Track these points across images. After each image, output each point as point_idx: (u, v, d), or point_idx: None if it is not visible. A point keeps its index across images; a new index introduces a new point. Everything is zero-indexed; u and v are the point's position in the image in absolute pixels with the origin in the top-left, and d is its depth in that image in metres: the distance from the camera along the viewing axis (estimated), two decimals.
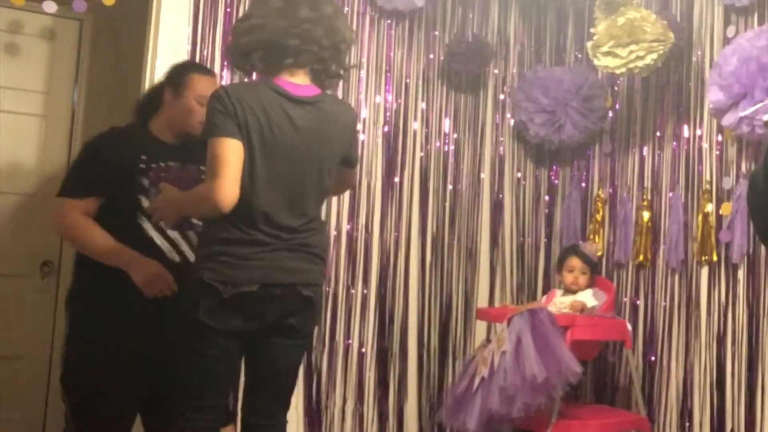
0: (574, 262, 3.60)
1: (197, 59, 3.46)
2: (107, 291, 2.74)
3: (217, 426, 2.60)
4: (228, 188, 2.34)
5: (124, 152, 2.79)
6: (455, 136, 4.05)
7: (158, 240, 2.78)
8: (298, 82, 2.49)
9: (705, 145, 3.54)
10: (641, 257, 3.71)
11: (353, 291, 3.77)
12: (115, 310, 2.73)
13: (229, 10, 3.56)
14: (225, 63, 3.53)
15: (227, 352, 2.49)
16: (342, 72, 2.60)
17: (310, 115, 2.48)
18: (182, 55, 3.39)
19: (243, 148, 2.38)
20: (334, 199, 3.72)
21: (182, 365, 2.52)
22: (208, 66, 3.49)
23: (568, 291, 3.60)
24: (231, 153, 2.36)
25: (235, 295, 2.42)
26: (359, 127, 3.80)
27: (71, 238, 2.82)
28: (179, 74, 2.89)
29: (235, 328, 2.45)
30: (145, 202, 2.76)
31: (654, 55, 3.32)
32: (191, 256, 2.74)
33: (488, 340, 3.48)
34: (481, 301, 4.06)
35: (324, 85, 2.57)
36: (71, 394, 2.76)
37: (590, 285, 3.61)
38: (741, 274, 3.34)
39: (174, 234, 2.81)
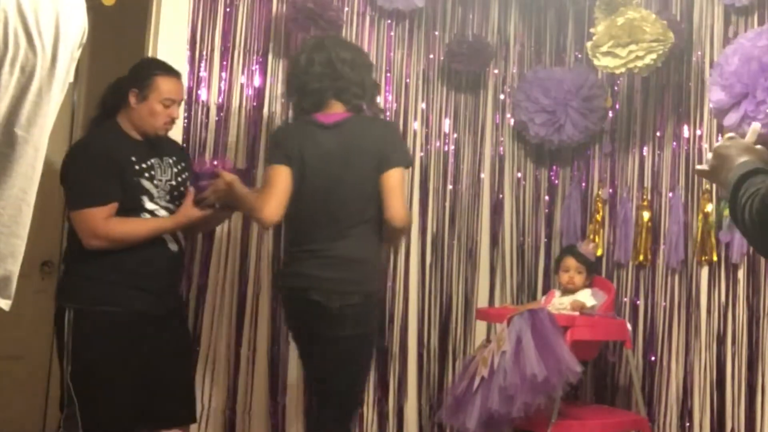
0: (569, 261, 3.60)
1: (196, 59, 3.47)
2: (104, 282, 2.81)
3: None
4: (270, 207, 2.83)
5: (120, 154, 2.86)
6: (455, 136, 4.05)
7: None
8: (330, 111, 2.93)
9: (705, 145, 3.54)
10: (641, 257, 3.71)
11: None
12: (118, 300, 2.79)
13: (228, 10, 3.56)
14: (224, 63, 3.54)
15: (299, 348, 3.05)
16: (360, 99, 2.98)
17: (335, 137, 2.88)
18: (182, 55, 3.39)
19: (290, 174, 2.86)
20: None
21: None
22: (208, 66, 3.50)
23: (566, 291, 3.60)
24: (277, 177, 2.86)
25: (282, 297, 3.06)
26: None
27: (118, 243, 2.83)
28: (144, 76, 2.93)
29: (291, 326, 3.07)
30: (148, 204, 2.86)
31: (653, 55, 3.32)
32: (184, 245, 3.03)
33: (488, 340, 3.48)
34: (481, 301, 4.06)
35: (359, 109, 2.98)
36: (81, 393, 2.76)
37: (588, 284, 3.60)
38: (741, 274, 3.34)
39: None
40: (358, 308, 2.79)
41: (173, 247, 2.93)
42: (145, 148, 2.93)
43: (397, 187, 2.85)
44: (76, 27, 1.30)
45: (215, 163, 3.04)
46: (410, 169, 3.64)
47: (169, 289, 2.97)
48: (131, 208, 2.84)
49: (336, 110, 2.93)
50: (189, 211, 2.88)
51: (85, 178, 2.84)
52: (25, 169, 1.26)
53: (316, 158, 2.87)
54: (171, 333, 2.94)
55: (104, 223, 2.79)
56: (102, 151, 2.86)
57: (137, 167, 2.87)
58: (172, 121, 2.97)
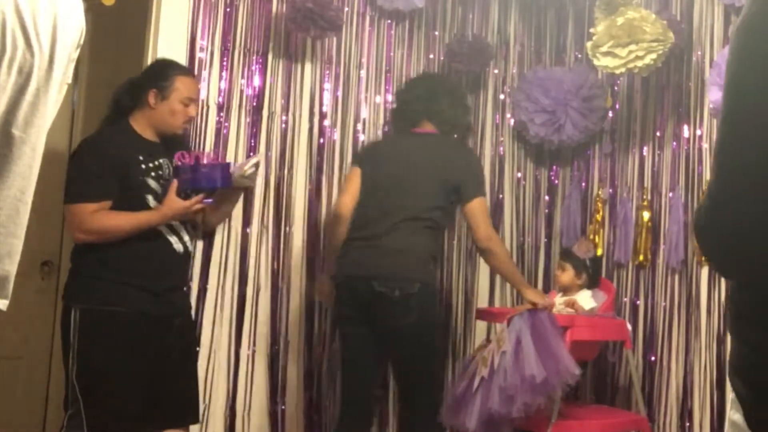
0: (560, 260, 3.63)
1: (196, 59, 3.47)
2: (110, 282, 2.83)
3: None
4: (342, 200, 3.28)
5: (127, 153, 2.88)
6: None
7: (166, 233, 2.92)
8: (422, 129, 3.32)
9: (705, 145, 3.54)
10: (641, 257, 3.70)
11: None
12: (123, 300, 2.80)
13: (228, 10, 3.56)
14: (224, 63, 3.54)
15: (354, 338, 3.13)
16: (450, 127, 3.37)
17: (415, 143, 3.27)
18: (182, 55, 3.39)
19: (359, 173, 3.26)
20: (334, 200, 3.71)
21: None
22: (208, 66, 3.50)
23: (565, 292, 3.59)
24: (349, 177, 3.34)
25: (336, 285, 3.16)
26: (359, 127, 3.80)
27: (102, 237, 2.84)
28: (164, 77, 2.96)
29: (343, 314, 3.15)
30: (153, 202, 2.89)
31: (653, 55, 3.32)
32: (190, 247, 3.03)
33: (488, 340, 3.48)
34: (481, 301, 4.06)
35: (446, 132, 3.35)
36: (86, 393, 2.76)
37: (587, 284, 3.58)
38: None
39: (177, 226, 2.95)
40: (419, 297, 3.03)
41: (179, 247, 2.94)
42: (156, 148, 2.96)
43: (483, 213, 3.23)
44: (74, 28, 1.31)
45: (197, 155, 3.04)
46: None
47: (175, 290, 2.98)
48: (136, 206, 2.86)
49: (428, 129, 3.32)
50: (173, 203, 2.87)
51: (84, 174, 2.86)
52: (23, 169, 1.27)
53: (387, 156, 3.27)
54: (176, 333, 2.95)
55: (91, 217, 2.80)
56: (107, 150, 2.87)
57: (144, 166, 2.89)
58: (190, 119, 3.03)
